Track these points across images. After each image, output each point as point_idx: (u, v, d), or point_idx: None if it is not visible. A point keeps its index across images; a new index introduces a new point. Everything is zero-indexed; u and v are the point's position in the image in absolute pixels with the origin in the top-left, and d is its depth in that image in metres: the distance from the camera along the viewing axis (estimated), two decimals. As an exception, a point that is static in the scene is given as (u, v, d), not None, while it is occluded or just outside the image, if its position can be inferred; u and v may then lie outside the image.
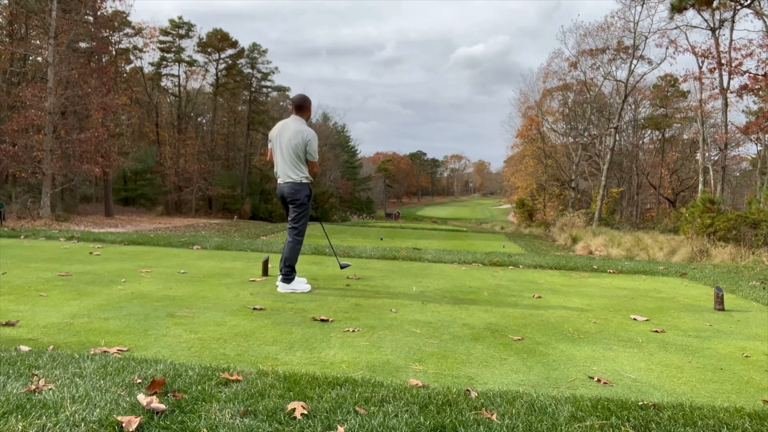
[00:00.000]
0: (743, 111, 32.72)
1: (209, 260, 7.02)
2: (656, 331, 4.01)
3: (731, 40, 25.60)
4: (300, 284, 5.08)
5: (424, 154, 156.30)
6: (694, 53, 27.84)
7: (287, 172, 5.08)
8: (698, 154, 32.29)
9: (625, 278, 7.28)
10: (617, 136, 34.71)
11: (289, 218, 5.26)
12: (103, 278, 5.16)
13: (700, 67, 28.70)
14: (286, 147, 5.03)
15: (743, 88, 23.36)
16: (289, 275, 5.05)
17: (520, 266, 8.04)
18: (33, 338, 3.04)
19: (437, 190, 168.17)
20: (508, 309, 4.62)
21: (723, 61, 25.41)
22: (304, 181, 5.08)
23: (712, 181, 28.33)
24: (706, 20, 26.39)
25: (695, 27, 26.98)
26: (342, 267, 5.80)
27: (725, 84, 26.20)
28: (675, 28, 27.51)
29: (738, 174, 41.89)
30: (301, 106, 5.17)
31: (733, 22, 25.56)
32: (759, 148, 32.71)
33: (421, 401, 2.21)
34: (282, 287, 5.03)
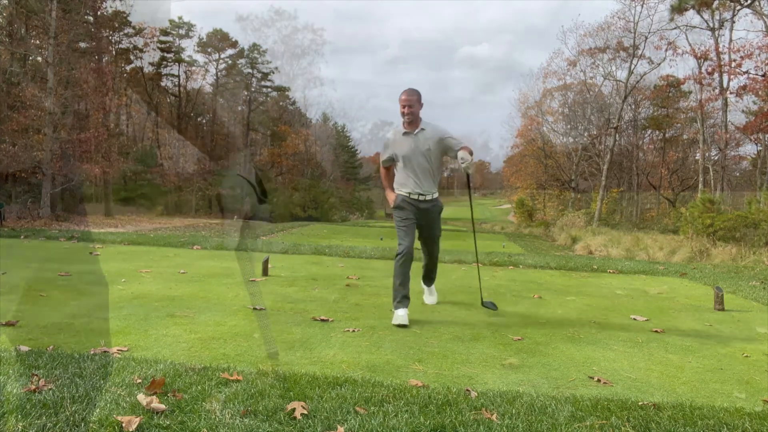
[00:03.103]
0: (743, 111, 32.68)
1: (209, 260, 7.02)
2: (656, 331, 4.01)
3: (731, 40, 25.61)
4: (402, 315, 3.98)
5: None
6: (694, 55, 27.82)
7: None
8: (698, 154, 32.27)
9: (625, 278, 7.27)
10: (617, 136, 34.69)
11: None
12: (103, 278, 5.16)
13: (700, 69, 28.69)
14: None
15: (743, 88, 23.35)
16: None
17: (520, 266, 8.04)
18: (33, 338, 3.04)
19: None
20: (508, 309, 4.62)
21: (722, 62, 25.40)
22: None
23: (712, 181, 28.29)
24: (705, 20, 26.40)
25: (695, 27, 26.97)
26: (485, 305, 4.62)
27: (725, 84, 26.22)
28: (675, 29, 27.51)
29: (738, 174, 41.83)
30: None
31: (733, 22, 25.56)
32: (759, 148, 32.68)
33: (421, 401, 2.21)
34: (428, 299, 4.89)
